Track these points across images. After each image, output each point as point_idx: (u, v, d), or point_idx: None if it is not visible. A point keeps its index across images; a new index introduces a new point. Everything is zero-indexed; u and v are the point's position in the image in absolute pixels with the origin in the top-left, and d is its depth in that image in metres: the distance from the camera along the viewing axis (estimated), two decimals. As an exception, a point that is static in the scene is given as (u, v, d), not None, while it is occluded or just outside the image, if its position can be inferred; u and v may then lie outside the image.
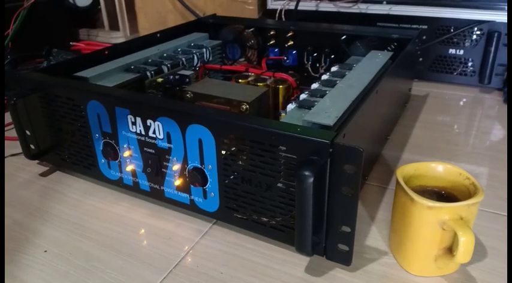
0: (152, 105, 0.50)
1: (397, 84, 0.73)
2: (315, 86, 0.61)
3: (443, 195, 0.46)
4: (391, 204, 0.47)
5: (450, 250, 0.42)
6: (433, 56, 0.97)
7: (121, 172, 0.57)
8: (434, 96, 0.93)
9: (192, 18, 1.14)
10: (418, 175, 0.46)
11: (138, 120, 0.51)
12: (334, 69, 0.68)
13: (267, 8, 1.09)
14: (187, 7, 1.15)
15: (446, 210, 0.40)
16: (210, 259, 0.48)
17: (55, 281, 0.46)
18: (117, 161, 0.57)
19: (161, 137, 0.51)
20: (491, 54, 0.90)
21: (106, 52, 0.72)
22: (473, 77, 0.95)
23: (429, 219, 0.41)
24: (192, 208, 0.53)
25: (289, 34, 0.85)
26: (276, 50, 0.87)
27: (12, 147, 0.72)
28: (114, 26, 1.34)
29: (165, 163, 0.52)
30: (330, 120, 0.47)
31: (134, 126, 0.52)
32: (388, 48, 0.78)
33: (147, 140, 0.52)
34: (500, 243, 0.49)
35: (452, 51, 0.94)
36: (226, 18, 0.95)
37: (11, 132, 0.78)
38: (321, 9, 1.03)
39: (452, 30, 0.92)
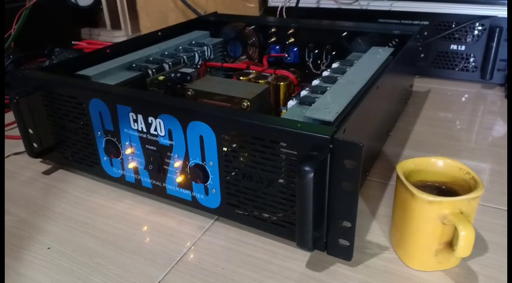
0: (153, 102, 0.50)
1: (398, 80, 0.73)
2: (315, 82, 0.61)
3: (444, 189, 0.46)
4: (392, 200, 0.47)
5: (451, 244, 0.42)
6: (435, 52, 0.96)
7: (123, 169, 0.58)
8: (436, 92, 0.93)
9: (193, 16, 1.14)
10: (418, 171, 0.46)
11: (140, 117, 0.52)
12: (335, 65, 0.68)
13: (268, 5, 1.09)
14: (189, 5, 1.16)
15: (446, 205, 0.41)
16: (212, 255, 0.48)
17: (59, 277, 0.46)
18: (119, 159, 0.57)
19: (162, 134, 0.51)
20: (493, 50, 0.89)
21: (108, 51, 0.72)
22: (475, 73, 0.95)
23: (429, 213, 0.41)
24: (193, 205, 0.54)
25: (290, 31, 0.85)
26: (277, 47, 0.87)
27: (16, 145, 0.72)
28: (116, 25, 1.34)
29: (166, 160, 0.52)
30: (330, 116, 0.47)
31: (136, 124, 0.53)
32: (390, 44, 0.78)
33: (149, 137, 0.52)
34: (501, 237, 0.50)
35: (453, 47, 0.94)
36: (227, 16, 0.96)
37: (14, 131, 0.78)
38: (322, 6, 1.03)
39: (453, 25, 0.92)
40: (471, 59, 0.94)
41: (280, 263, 0.47)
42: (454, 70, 0.96)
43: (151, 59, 0.72)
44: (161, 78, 0.67)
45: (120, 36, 1.32)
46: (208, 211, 0.53)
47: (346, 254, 0.44)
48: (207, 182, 0.50)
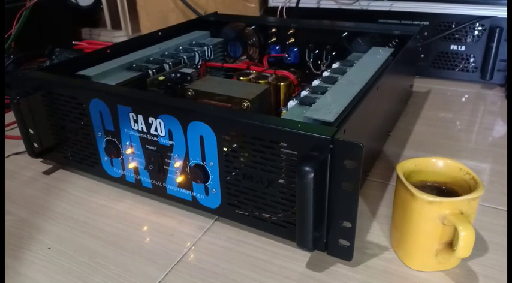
0: (154, 102, 0.50)
1: (398, 80, 0.73)
2: (316, 82, 0.61)
3: (444, 190, 0.46)
4: (392, 200, 0.47)
5: (451, 245, 0.43)
6: (435, 52, 0.96)
7: (123, 169, 0.58)
8: (436, 93, 0.93)
9: (193, 16, 1.14)
10: (418, 171, 0.47)
11: (140, 117, 0.52)
12: (335, 65, 0.68)
13: (268, 5, 1.09)
14: (189, 5, 1.16)
15: (446, 205, 0.41)
16: (212, 255, 0.49)
17: (59, 277, 0.46)
18: (119, 159, 0.57)
19: (163, 134, 0.51)
20: (493, 50, 0.89)
21: (108, 51, 0.72)
22: (475, 73, 0.95)
23: (430, 214, 0.41)
24: (194, 205, 0.54)
25: (291, 31, 0.85)
26: (278, 47, 0.87)
27: (16, 145, 0.72)
28: (116, 25, 1.34)
29: (167, 160, 0.52)
30: (330, 117, 0.47)
31: (136, 124, 0.53)
32: (390, 44, 0.78)
33: (149, 137, 0.52)
34: (502, 238, 0.50)
35: (454, 47, 0.94)
36: (227, 16, 0.96)
37: (14, 131, 0.78)
38: (322, 6, 1.03)
39: (453, 26, 0.92)
40: (471, 59, 0.94)
41: (280, 263, 0.47)
42: (454, 70, 0.96)
43: (151, 59, 0.72)
44: (161, 78, 0.67)
45: (120, 36, 1.32)
46: (208, 211, 0.53)
47: (346, 254, 0.45)
48: (207, 182, 0.50)
